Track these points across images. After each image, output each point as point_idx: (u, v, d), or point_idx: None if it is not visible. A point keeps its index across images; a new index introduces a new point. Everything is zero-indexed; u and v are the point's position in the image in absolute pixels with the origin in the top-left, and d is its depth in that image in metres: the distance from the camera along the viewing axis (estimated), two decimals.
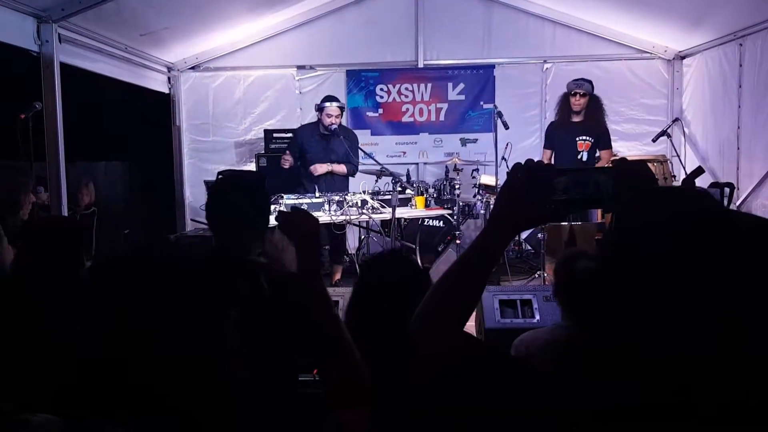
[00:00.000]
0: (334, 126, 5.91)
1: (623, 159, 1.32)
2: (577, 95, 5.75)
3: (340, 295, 3.74)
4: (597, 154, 5.85)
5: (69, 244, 2.15)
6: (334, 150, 6.02)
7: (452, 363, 1.07)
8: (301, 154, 6.03)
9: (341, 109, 6.05)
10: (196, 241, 6.50)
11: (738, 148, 6.17)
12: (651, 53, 7.60)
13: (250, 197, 2.27)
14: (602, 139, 5.78)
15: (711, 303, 0.80)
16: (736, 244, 0.82)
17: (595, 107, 5.75)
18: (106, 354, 0.93)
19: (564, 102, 5.88)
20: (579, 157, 5.76)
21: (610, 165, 5.32)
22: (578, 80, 5.82)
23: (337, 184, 6.08)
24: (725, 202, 5.08)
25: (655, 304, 0.82)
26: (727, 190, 5.25)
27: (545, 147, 6.10)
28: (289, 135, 7.31)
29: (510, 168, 1.22)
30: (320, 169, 5.94)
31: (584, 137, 5.76)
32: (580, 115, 5.76)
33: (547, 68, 7.72)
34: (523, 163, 1.21)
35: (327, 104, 5.93)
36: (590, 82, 5.81)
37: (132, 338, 0.93)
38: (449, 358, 1.07)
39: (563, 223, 5.47)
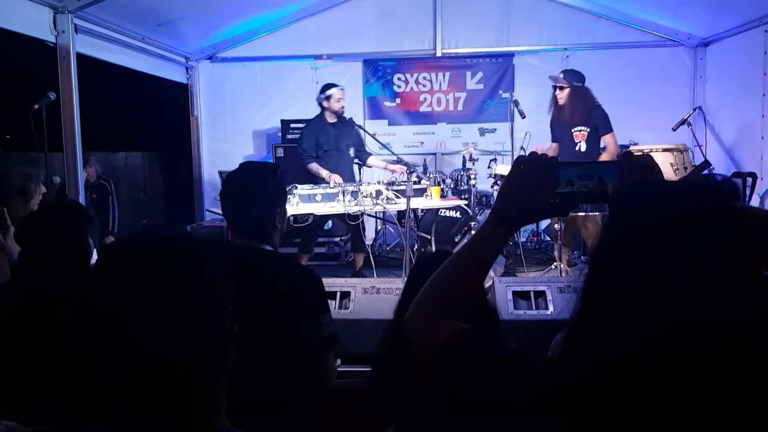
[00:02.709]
0: (344, 109, 5.96)
1: (629, 152, 1.29)
2: (557, 89, 5.69)
3: (352, 286, 3.74)
4: (603, 144, 5.75)
5: (72, 229, 2.13)
6: (347, 137, 6.03)
7: (448, 357, 1.04)
8: (318, 148, 6.00)
9: (343, 91, 6.07)
10: (210, 231, 6.55)
11: (762, 137, 6.03)
12: (674, 40, 7.44)
13: (263, 187, 2.27)
14: (600, 125, 5.67)
15: (707, 297, 0.78)
16: (734, 241, 0.79)
17: (580, 97, 5.63)
18: (102, 345, 0.92)
19: (553, 95, 5.82)
20: (577, 148, 5.68)
21: (615, 158, 5.23)
22: (561, 72, 5.74)
23: (349, 175, 6.09)
24: (748, 192, 4.98)
25: (649, 299, 0.80)
26: (749, 179, 5.15)
27: (552, 140, 6.04)
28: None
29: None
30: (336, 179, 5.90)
31: (579, 128, 5.67)
32: (569, 107, 5.68)
33: (567, 56, 7.59)
34: (526, 155, 1.19)
35: (333, 90, 5.94)
36: (574, 72, 5.70)
37: (130, 328, 0.91)
38: (444, 351, 1.04)
39: (580, 214, 5.40)
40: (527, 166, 1.17)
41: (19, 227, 2.22)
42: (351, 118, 6.21)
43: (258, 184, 2.26)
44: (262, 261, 2.15)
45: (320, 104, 6.04)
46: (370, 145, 6.81)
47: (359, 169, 6.58)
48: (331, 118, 5.98)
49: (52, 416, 1.67)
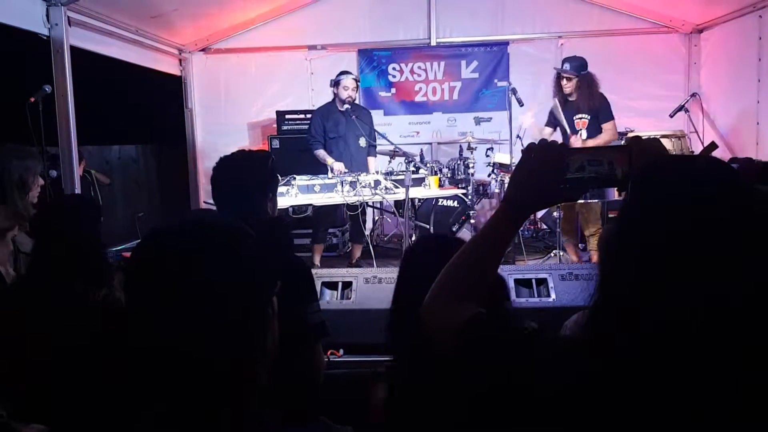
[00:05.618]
0: (351, 99, 5.93)
1: (637, 137, 1.30)
2: (565, 79, 5.67)
3: (354, 276, 3.74)
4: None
5: (89, 219, 2.10)
6: (357, 127, 5.96)
7: (466, 340, 1.05)
8: (325, 134, 6.00)
9: (356, 81, 6.07)
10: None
11: (757, 123, 6.05)
12: (668, 27, 7.44)
13: (255, 174, 2.27)
14: (602, 113, 5.67)
15: (732, 275, 0.78)
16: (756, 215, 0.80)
17: (586, 85, 5.63)
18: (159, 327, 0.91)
19: (557, 82, 5.80)
20: (578, 135, 5.69)
21: (623, 141, 5.23)
22: (565, 62, 5.72)
23: (356, 165, 5.97)
24: None
25: (675, 276, 0.81)
26: None
27: (546, 124, 6.02)
28: (301, 116, 7.29)
29: (524, 148, 1.20)
30: (338, 167, 5.84)
31: (581, 115, 5.69)
32: (574, 95, 5.68)
33: (561, 44, 7.58)
34: (536, 143, 1.20)
35: (343, 77, 5.96)
36: (580, 60, 5.68)
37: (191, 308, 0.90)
38: (460, 335, 1.06)
39: (579, 201, 5.40)
40: (538, 153, 1.18)
41: (34, 220, 2.16)
42: (355, 105, 6.16)
43: (250, 171, 2.25)
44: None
45: (333, 90, 6.07)
46: None
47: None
48: (341, 106, 5.96)
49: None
